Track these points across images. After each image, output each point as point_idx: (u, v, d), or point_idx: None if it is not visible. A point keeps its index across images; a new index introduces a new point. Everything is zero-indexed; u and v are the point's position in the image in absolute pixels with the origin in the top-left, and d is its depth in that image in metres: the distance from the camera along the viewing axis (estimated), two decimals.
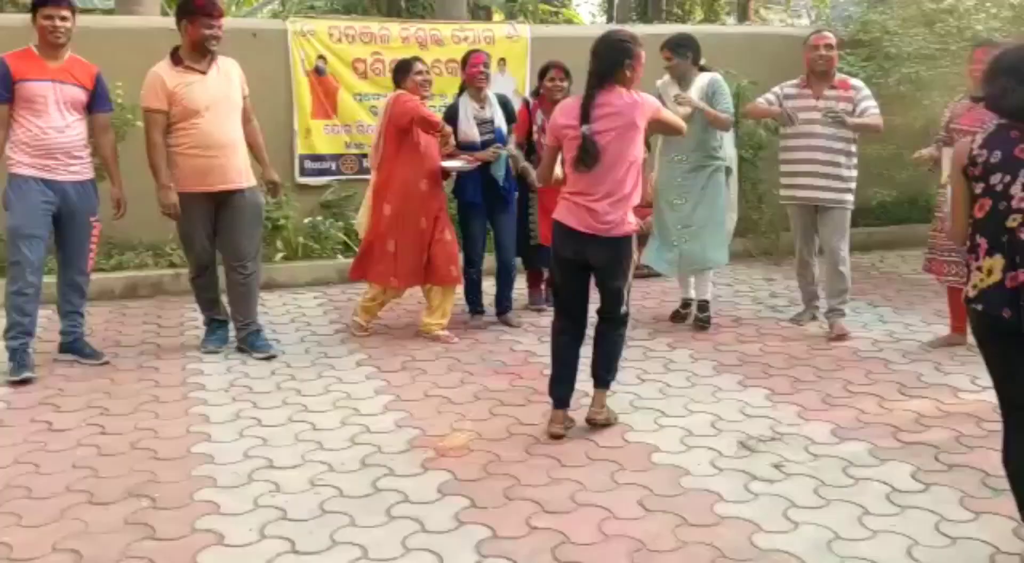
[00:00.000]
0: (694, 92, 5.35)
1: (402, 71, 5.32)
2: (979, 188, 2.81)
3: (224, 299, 5.24)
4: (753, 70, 7.23)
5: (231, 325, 5.21)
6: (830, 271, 5.40)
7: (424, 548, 2.97)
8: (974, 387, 4.43)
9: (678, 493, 3.38)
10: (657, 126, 3.98)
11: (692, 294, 5.70)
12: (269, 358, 4.98)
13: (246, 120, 5.06)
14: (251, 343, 5.07)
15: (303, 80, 7.44)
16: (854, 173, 5.31)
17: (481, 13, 18.52)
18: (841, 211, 5.32)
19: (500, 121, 5.60)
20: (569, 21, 23.32)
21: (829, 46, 5.30)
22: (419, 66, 5.29)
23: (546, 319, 5.74)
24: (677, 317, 5.76)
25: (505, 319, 5.68)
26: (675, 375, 4.72)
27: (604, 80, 3.74)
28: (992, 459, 3.59)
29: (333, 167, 7.60)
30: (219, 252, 5.08)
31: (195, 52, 4.83)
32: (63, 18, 4.64)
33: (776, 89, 5.49)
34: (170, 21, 7.58)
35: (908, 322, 5.67)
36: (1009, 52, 2.99)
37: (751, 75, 7.15)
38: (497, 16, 19.52)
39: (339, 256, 7.00)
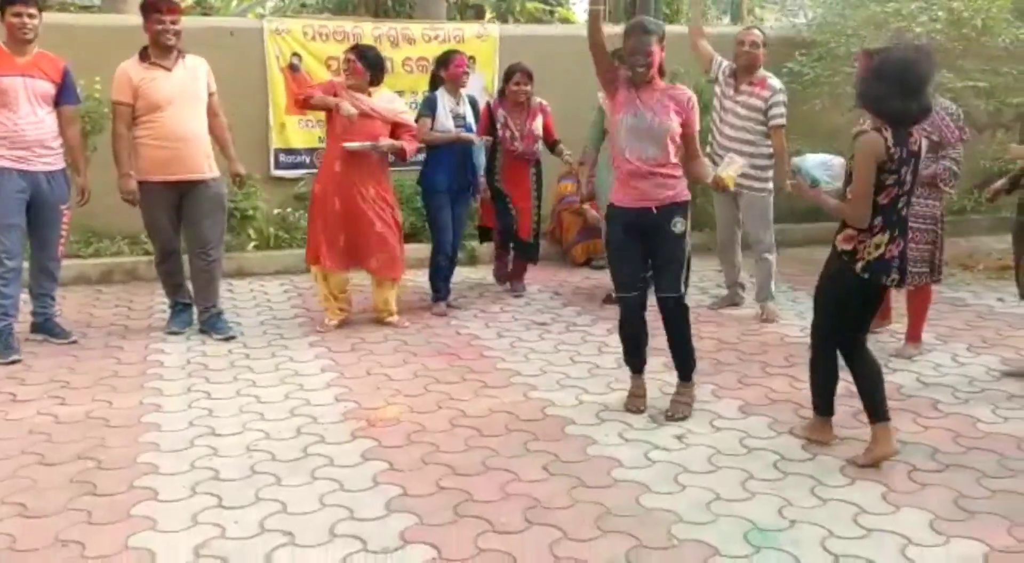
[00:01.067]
0: None
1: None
2: (891, 180, 3.33)
3: (188, 284, 5.53)
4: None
5: (194, 309, 5.49)
6: (756, 258, 5.72)
7: (339, 504, 3.26)
8: (886, 370, 4.69)
9: (582, 460, 3.66)
10: None
11: None
12: (228, 339, 5.27)
13: (212, 114, 5.34)
14: (212, 325, 5.37)
15: (278, 76, 7.74)
16: (769, 162, 5.64)
17: (471, 12, 18.84)
18: (759, 197, 5.65)
19: (470, 117, 5.92)
20: (565, 20, 23.63)
21: (754, 43, 5.60)
22: (344, 55, 5.55)
23: (494, 305, 6.06)
24: (609, 300, 6.00)
25: (449, 303, 5.95)
26: (606, 357, 5.00)
27: None
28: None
29: (307, 160, 7.89)
30: (184, 239, 5.36)
31: (158, 49, 5.13)
32: (31, 15, 4.93)
33: (719, 62, 5.80)
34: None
35: None
36: (892, 60, 3.35)
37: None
38: (489, 15, 19.82)
39: None
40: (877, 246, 3.41)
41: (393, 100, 5.67)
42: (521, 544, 2.99)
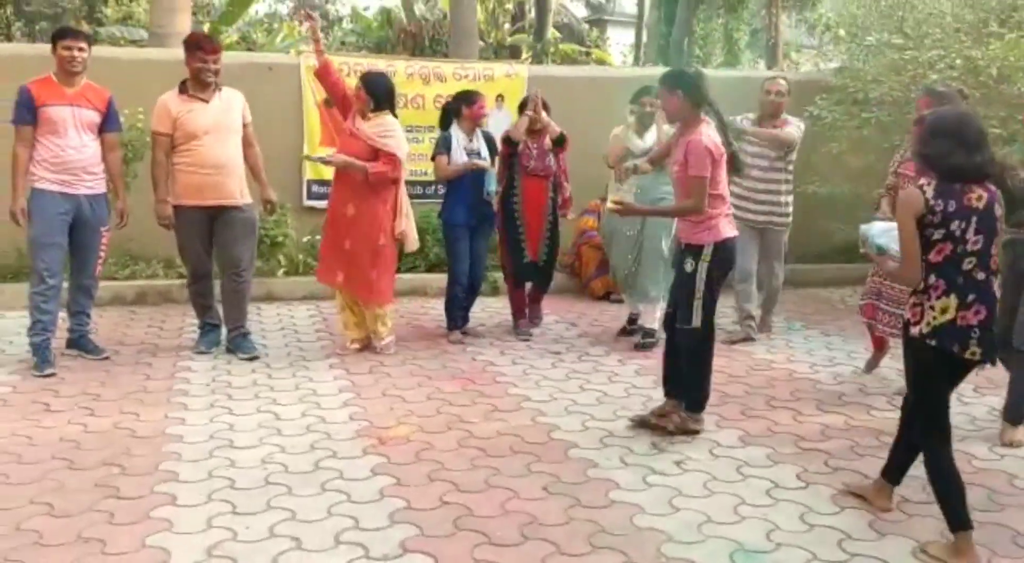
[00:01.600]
0: (653, 134, 5.87)
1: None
2: (938, 234, 3.11)
3: (217, 306, 5.77)
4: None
5: (223, 330, 5.73)
6: (767, 283, 6.11)
7: (345, 514, 3.43)
8: (887, 407, 4.80)
9: (581, 481, 3.80)
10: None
11: (640, 310, 6.15)
12: (252, 358, 5.49)
13: (248, 144, 5.64)
14: (238, 345, 5.61)
15: (314, 111, 8.03)
16: (790, 199, 6.03)
17: (506, 52, 19.29)
18: (777, 233, 6.04)
19: (485, 152, 6.13)
20: (600, 61, 24.02)
21: (779, 93, 5.90)
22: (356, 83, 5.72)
23: (510, 334, 6.23)
24: (623, 332, 6.19)
25: (466, 330, 6.13)
26: (616, 386, 5.14)
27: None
28: (874, 465, 3.99)
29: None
30: (216, 262, 5.64)
31: (197, 83, 5.45)
32: (80, 49, 5.25)
33: (741, 116, 6.04)
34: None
35: (852, 350, 6.02)
36: (948, 116, 3.33)
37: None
38: (525, 54, 20.25)
39: None
40: (943, 310, 3.13)
41: (388, 126, 5.60)
42: (515, 557, 3.14)
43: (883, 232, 3.53)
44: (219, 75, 5.49)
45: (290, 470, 3.85)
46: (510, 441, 4.25)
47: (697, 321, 4.27)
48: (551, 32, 23.51)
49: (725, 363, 5.65)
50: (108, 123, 5.39)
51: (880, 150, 6.88)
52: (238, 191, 5.53)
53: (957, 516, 3.16)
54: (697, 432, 4.33)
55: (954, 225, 3.09)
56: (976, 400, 4.97)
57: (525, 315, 6.44)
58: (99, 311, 6.47)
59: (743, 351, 5.98)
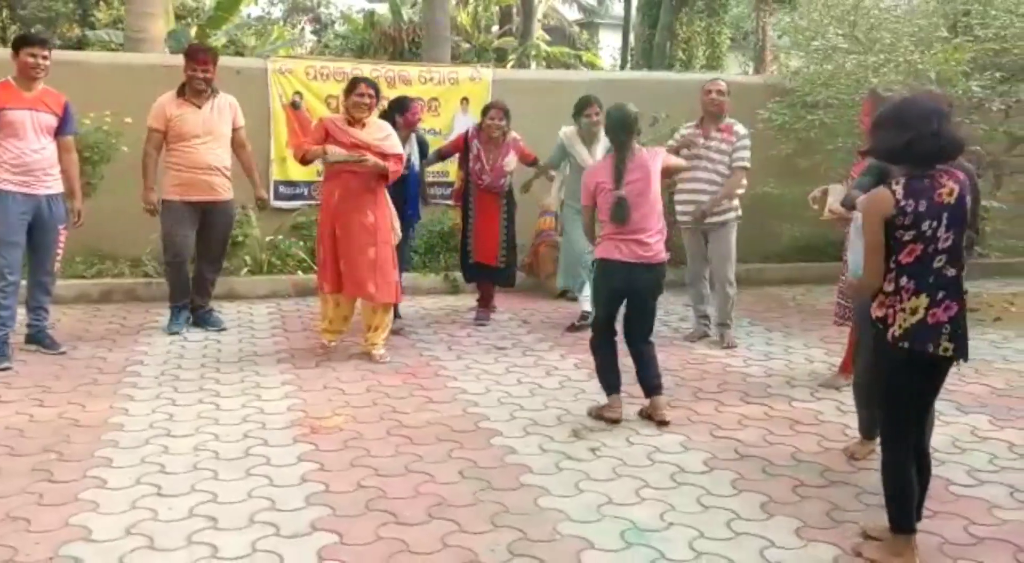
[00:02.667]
0: (601, 148, 6.10)
1: (346, 91, 5.67)
2: (909, 235, 2.99)
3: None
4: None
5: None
6: (719, 289, 6.08)
7: (264, 497, 3.62)
8: (810, 398, 4.98)
9: (496, 466, 3.98)
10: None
11: (589, 308, 6.34)
12: (221, 331, 6.19)
13: (240, 146, 6.27)
14: (207, 320, 6.30)
15: (281, 113, 8.22)
16: (732, 203, 6.09)
17: (492, 56, 19.48)
18: (724, 232, 6.04)
19: (416, 158, 6.36)
20: (590, 64, 24.22)
21: (720, 92, 6.00)
22: (361, 88, 5.52)
23: (462, 331, 6.41)
24: (572, 329, 6.39)
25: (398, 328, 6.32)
26: (552, 379, 5.32)
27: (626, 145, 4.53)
28: (782, 452, 4.18)
29: (305, 192, 8.34)
30: (196, 248, 6.23)
31: (191, 88, 5.97)
32: (44, 57, 5.45)
33: (678, 133, 6.19)
34: (163, 58, 8.52)
35: (790, 346, 6.20)
36: (889, 105, 3.22)
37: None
38: (511, 57, 20.46)
39: (299, 272, 7.71)
40: (913, 311, 3.03)
41: (383, 129, 5.70)
42: (417, 534, 3.32)
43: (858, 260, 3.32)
44: (210, 84, 6.00)
45: (220, 456, 4.03)
46: (437, 430, 4.43)
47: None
48: (538, 35, 23.75)
49: (664, 357, 5.76)
50: (64, 126, 5.59)
51: (826, 151, 7.06)
52: (224, 189, 6.13)
53: (902, 518, 3.13)
54: (608, 419, 4.55)
55: (925, 225, 2.98)
56: (957, 419, 4.69)
57: (487, 304, 6.72)
58: (64, 308, 6.70)
59: (684, 346, 6.16)
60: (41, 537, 3.24)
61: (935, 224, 2.99)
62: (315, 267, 7.42)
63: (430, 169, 7.49)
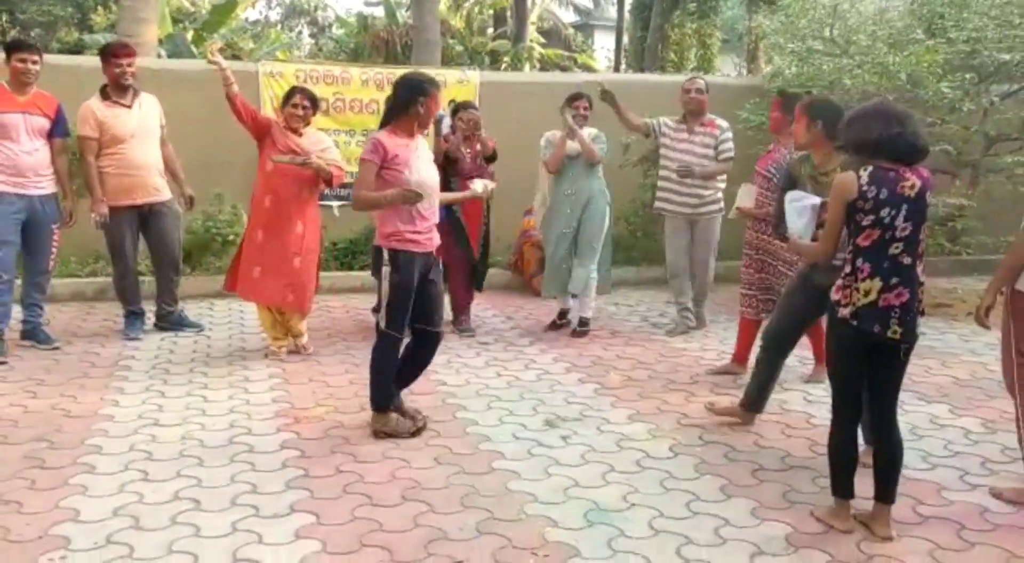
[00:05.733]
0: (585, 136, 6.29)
1: (283, 100, 5.77)
2: (868, 220, 3.18)
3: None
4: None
5: (145, 316, 6.34)
6: (699, 275, 6.40)
7: (246, 481, 3.79)
8: (777, 389, 5.13)
9: (471, 453, 4.16)
10: None
11: (570, 305, 6.53)
12: (200, 331, 6.22)
13: (164, 144, 6.15)
14: (182, 322, 6.29)
15: (272, 116, 8.37)
16: (718, 195, 6.29)
17: (486, 58, 19.67)
18: (706, 223, 6.26)
19: None
20: (586, 66, 24.39)
21: (699, 90, 6.21)
22: (296, 98, 5.60)
23: (446, 327, 6.55)
24: (553, 326, 6.56)
25: None
26: (530, 372, 5.49)
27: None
28: (745, 439, 4.36)
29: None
30: (151, 253, 6.23)
31: (118, 88, 5.90)
32: (34, 62, 5.63)
33: (657, 120, 6.36)
34: (154, 62, 8.68)
35: None
36: (867, 105, 3.42)
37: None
38: (505, 60, 20.64)
39: None
40: (866, 293, 3.23)
41: (321, 141, 5.78)
42: (390, 515, 3.49)
43: (793, 211, 3.57)
44: (135, 78, 5.95)
45: (205, 444, 4.21)
46: None
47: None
48: (533, 37, 23.93)
49: (639, 351, 6.01)
50: (56, 129, 5.77)
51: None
52: (163, 188, 6.06)
53: (842, 485, 3.42)
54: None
55: (884, 211, 3.17)
56: (918, 409, 4.84)
57: (465, 311, 6.80)
58: (59, 306, 6.87)
59: (660, 340, 6.33)
60: (32, 518, 3.41)
61: (894, 213, 3.18)
62: None
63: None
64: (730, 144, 6.22)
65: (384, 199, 4.16)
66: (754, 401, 4.52)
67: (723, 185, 6.35)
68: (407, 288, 4.23)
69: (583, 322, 6.45)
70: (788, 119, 4.89)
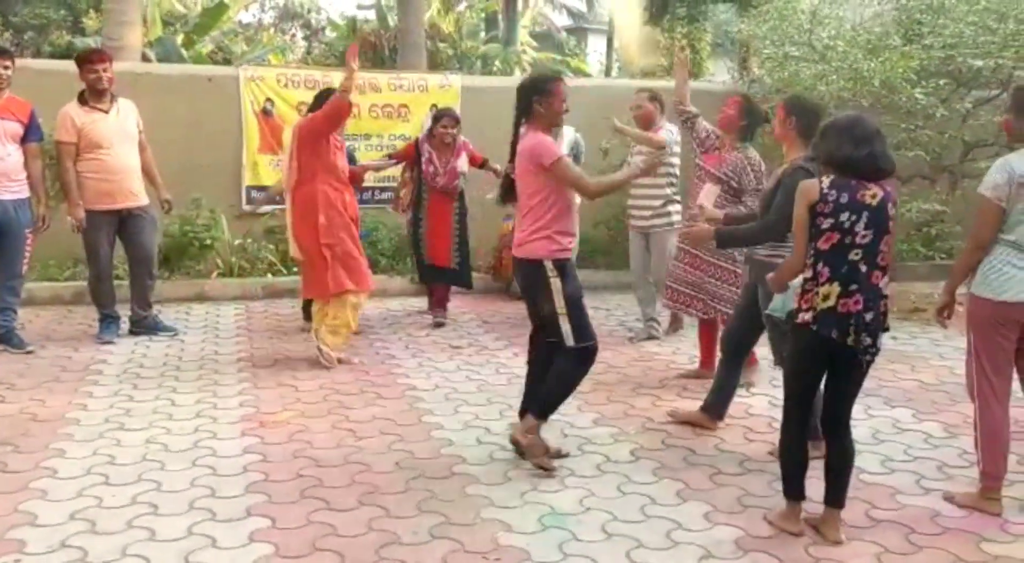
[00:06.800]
0: (565, 144, 6.32)
1: (322, 98, 5.66)
2: (827, 223, 3.24)
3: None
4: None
5: (120, 321, 6.34)
6: (660, 289, 6.27)
7: (206, 485, 3.81)
8: (744, 394, 5.17)
9: (432, 457, 4.18)
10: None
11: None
12: (174, 335, 6.21)
13: (142, 149, 6.16)
14: (157, 327, 6.30)
15: (252, 120, 8.41)
16: (669, 209, 6.22)
17: (477, 63, 19.69)
18: (661, 235, 6.23)
19: None
20: (578, 70, 24.42)
21: (638, 106, 6.17)
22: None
23: (422, 331, 6.61)
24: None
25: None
26: (500, 377, 5.52)
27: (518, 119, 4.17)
28: (707, 443, 4.39)
29: (277, 198, 8.52)
30: (128, 257, 6.24)
31: (95, 94, 5.91)
32: (6, 67, 5.65)
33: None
34: (137, 65, 8.70)
35: None
36: (841, 117, 3.46)
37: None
38: (496, 63, 20.67)
39: (269, 275, 7.90)
40: (825, 297, 3.26)
41: None
42: (346, 519, 3.52)
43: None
44: (112, 83, 5.96)
45: (169, 448, 4.23)
46: (382, 424, 4.62)
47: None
48: (525, 41, 23.97)
49: (611, 355, 6.02)
50: (30, 133, 5.80)
51: (774, 156, 7.25)
52: (141, 192, 6.08)
53: (792, 487, 3.46)
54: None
55: (843, 216, 3.21)
56: (882, 413, 4.89)
57: (442, 305, 6.96)
58: (37, 310, 6.90)
59: (634, 343, 6.36)
60: None
61: (854, 218, 3.22)
62: (286, 269, 7.68)
63: (380, 174, 7.95)
64: (668, 135, 6.11)
65: (628, 176, 4.54)
66: (713, 405, 4.56)
67: (679, 198, 6.30)
68: (581, 292, 4.14)
69: None
70: (740, 123, 5.08)
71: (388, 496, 3.73)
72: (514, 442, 4.13)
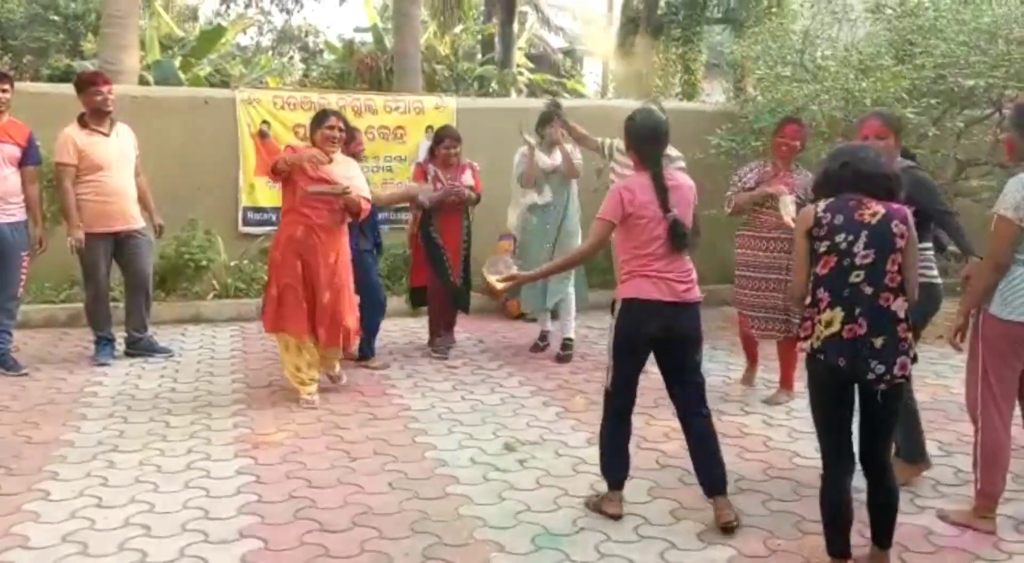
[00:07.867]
0: (558, 153, 6.36)
1: (314, 123, 5.38)
2: (824, 246, 3.14)
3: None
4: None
5: (116, 343, 6.34)
6: None
7: (199, 507, 3.81)
8: (739, 413, 5.18)
9: (426, 477, 4.18)
10: None
11: (549, 327, 6.60)
12: (170, 355, 6.25)
13: (137, 173, 6.19)
14: (152, 347, 6.31)
15: (249, 142, 8.44)
16: None
17: (473, 84, 19.79)
18: None
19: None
20: (575, 91, 24.54)
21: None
22: (332, 121, 5.31)
23: (418, 350, 6.60)
24: (536, 349, 6.61)
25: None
26: (494, 396, 5.52)
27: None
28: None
29: (273, 218, 8.49)
30: (125, 279, 6.26)
31: (95, 116, 5.95)
32: (4, 90, 5.69)
33: (611, 141, 6.35)
34: (134, 89, 8.74)
35: (732, 362, 6.40)
36: (840, 147, 3.49)
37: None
38: (493, 85, 20.77)
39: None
40: (828, 323, 3.12)
41: (351, 167, 5.49)
42: (339, 540, 3.51)
43: None
44: (112, 105, 6.01)
45: (162, 469, 4.23)
46: (375, 445, 4.62)
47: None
48: (521, 63, 24.08)
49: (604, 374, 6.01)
50: (28, 157, 5.83)
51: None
52: (138, 215, 6.13)
53: (833, 543, 3.20)
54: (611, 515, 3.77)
55: (839, 237, 3.11)
56: None
57: (450, 328, 6.81)
58: (32, 332, 6.89)
59: None
60: None
61: (852, 238, 3.10)
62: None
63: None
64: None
65: None
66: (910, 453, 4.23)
67: None
68: None
69: (566, 345, 6.49)
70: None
71: (381, 517, 3.73)
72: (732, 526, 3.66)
